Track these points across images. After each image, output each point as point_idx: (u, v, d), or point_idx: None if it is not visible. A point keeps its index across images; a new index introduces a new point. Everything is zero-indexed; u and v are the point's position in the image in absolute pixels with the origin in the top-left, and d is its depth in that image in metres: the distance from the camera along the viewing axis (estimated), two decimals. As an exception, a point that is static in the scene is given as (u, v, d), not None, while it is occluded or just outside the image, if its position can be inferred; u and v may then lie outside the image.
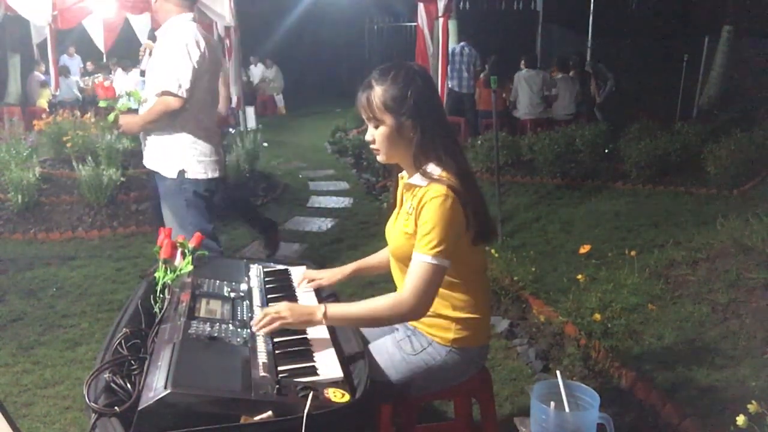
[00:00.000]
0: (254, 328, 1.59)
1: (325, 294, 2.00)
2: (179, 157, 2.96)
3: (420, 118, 1.65)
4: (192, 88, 2.86)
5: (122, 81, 10.17)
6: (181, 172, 2.95)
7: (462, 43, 8.55)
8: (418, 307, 1.62)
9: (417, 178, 1.70)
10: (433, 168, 1.68)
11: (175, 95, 2.84)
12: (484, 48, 9.35)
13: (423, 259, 1.60)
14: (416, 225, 1.66)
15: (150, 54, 3.04)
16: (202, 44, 2.90)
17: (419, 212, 1.64)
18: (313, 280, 2.01)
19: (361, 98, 1.69)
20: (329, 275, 2.03)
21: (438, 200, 1.60)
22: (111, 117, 2.91)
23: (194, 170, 2.97)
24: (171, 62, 2.83)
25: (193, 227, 2.96)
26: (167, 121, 2.90)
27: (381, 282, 3.55)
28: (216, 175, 3.09)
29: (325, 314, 1.62)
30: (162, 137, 2.96)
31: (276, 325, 1.59)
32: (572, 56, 9.22)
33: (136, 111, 2.97)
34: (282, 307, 1.62)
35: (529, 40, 12.93)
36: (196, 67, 2.86)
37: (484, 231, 1.71)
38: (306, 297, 1.94)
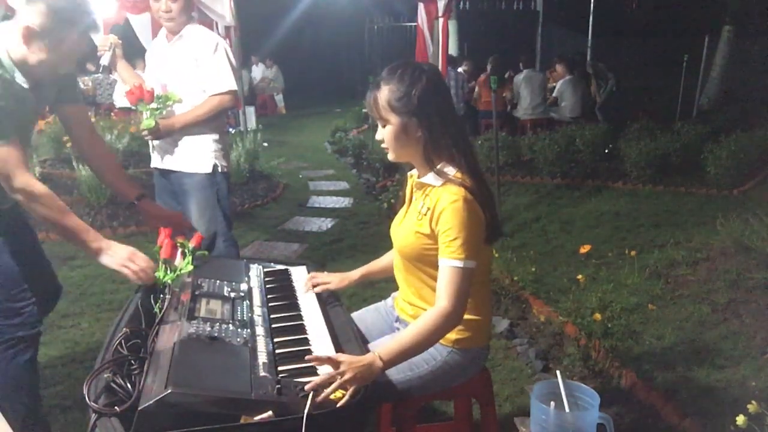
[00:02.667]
0: (308, 387, 1.39)
1: (325, 295, 1.99)
2: (212, 152, 3.11)
3: (425, 116, 1.65)
4: None
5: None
6: (215, 166, 3.11)
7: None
8: (461, 313, 1.63)
9: (430, 178, 1.70)
10: (448, 168, 1.69)
11: (234, 94, 3.07)
12: (484, 48, 9.36)
13: (453, 264, 1.61)
14: (432, 227, 1.67)
15: (113, 51, 3.08)
16: None
17: (438, 216, 1.64)
18: (318, 284, 2.00)
19: (368, 98, 1.71)
20: (337, 281, 2.01)
21: (458, 204, 1.61)
22: (151, 122, 2.91)
23: (222, 164, 3.16)
24: (221, 63, 3.01)
25: (223, 219, 3.16)
26: (210, 119, 3.05)
27: (381, 282, 3.54)
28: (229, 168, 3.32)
29: (382, 360, 1.53)
30: (194, 136, 3.08)
31: (334, 386, 1.42)
32: (576, 56, 9.24)
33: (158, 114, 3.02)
34: (344, 369, 1.45)
35: (529, 40, 12.95)
36: (237, 66, 3.14)
37: (496, 229, 1.72)
38: (307, 300, 1.93)
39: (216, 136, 3.12)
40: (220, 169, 3.13)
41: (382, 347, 1.58)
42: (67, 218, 1.95)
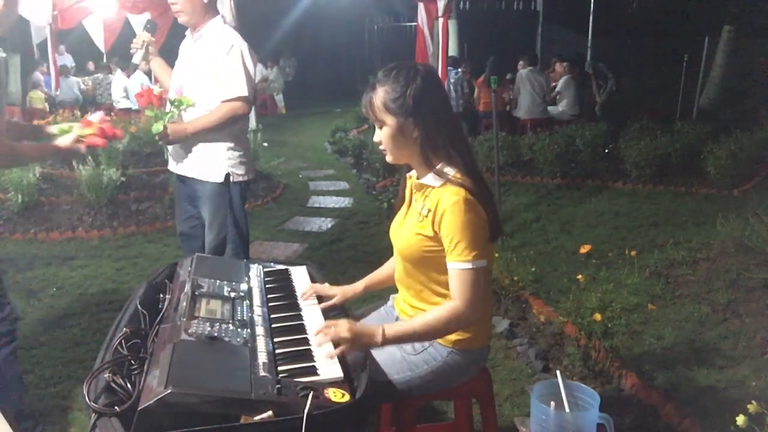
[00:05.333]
0: (312, 334, 1.61)
1: (333, 313, 1.93)
2: (225, 161, 2.96)
3: (421, 116, 1.65)
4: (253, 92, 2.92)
5: (121, 82, 10.18)
6: (228, 176, 2.96)
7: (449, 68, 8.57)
8: (474, 313, 1.65)
9: (430, 178, 1.70)
10: (447, 168, 1.68)
11: (246, 101, 2.87)
12: (484, 48, 9.34)
13: (463, 267, 1.61)
14: (434, 229, 1.67)
15: (146, 49, 2.96)
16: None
17: (440, 219, 1.64)
18: (320, 297, 1.96)
19: (364, 100, 1.71)
20: (341, 295, 1.98)
21: (459, 205, 1.61)
22: (159, 126, 2.78)
23: (238, 173, 3.00)
24: (236, 68, 2.83)
25: (235, 227, 3.06)
26: (223, 127, 2.89)
27: (381, 282, 3.55)
28: (253, 176, 3.16)
29: (384, 335, 1.60)
30: (208, 143, 2.93)
31: (340, 348, 1.56)
32: (574, 56, 9.24)
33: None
34: (344, 327, 1.58)
35: (529, 40, 12.95)
36: (253, 71, 2.91)
37: (497, 227, 1.72)
38: (310, 308, 1.91)
39: (231, 144, 2.96)
40: (233, 179, 2.98)
41: (389, 324, 1.65)
42: (20, 157, 2.33)
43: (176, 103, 2.82)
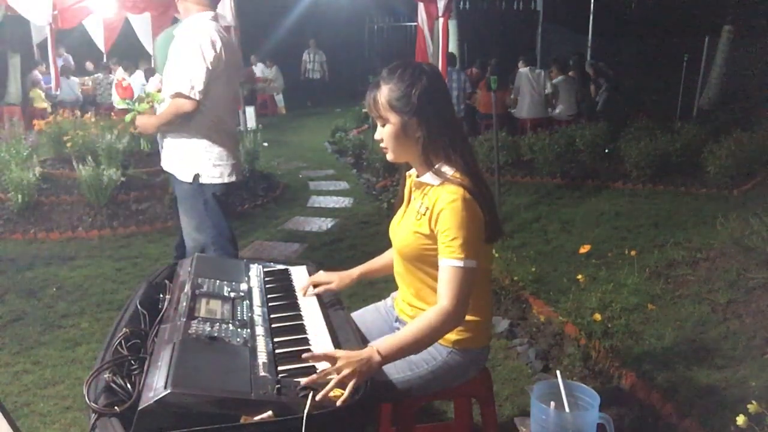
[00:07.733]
0: (304, 382, 1.40)
1: (326, 300, 1.97)
2: (195, 161, 2.90)
3: (425, 116, 1.65)
4: (206, 90, 2.78)
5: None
6: (196, 176, 2.89)
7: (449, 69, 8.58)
8: (462, 313, 1.62)
9: (428, 177, 1.70)
10: (445, 168, 1.68)
11: (188, 97, 2.76)
12: (484, 48, 9.35)
13: (453, 264, 1.60)
14: (431, 227, 1.67)
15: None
16: (218, 44, 2.80)
17: (437, 217, 1.64)
18: (318, 285, 1.98)
19: (368, 98, 1.71)
20: (337, 281, 1.99)
21: (456, 203, 1.61)
22: (128, 117, 2.90)
23: (210, 174, 2.91)
24: (185, 63, 2.77)
25: (211, 229, 2.95)
26: (181, 124, 2.84)
27: (381, 282, 3.55)
28: (233, 179, 3.00)
29: (380, 354, 1.52)
30: (178, 140, 2.90)
31: (333, 383, 1.40)
32: (572, 56, 9.23)
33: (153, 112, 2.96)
34: (342, 364, 1.44)
35: (529, 40, 12.97)
36: (210, 68, 2.77)
37: (496, 228, 1.72)
38: (307, 300, 1.93)
39: (205, 143, 2.86)
40: (203, 180, 2.88)
41: (380, 342, 1.58)
42: None
43: (148, 98, 2.91)
